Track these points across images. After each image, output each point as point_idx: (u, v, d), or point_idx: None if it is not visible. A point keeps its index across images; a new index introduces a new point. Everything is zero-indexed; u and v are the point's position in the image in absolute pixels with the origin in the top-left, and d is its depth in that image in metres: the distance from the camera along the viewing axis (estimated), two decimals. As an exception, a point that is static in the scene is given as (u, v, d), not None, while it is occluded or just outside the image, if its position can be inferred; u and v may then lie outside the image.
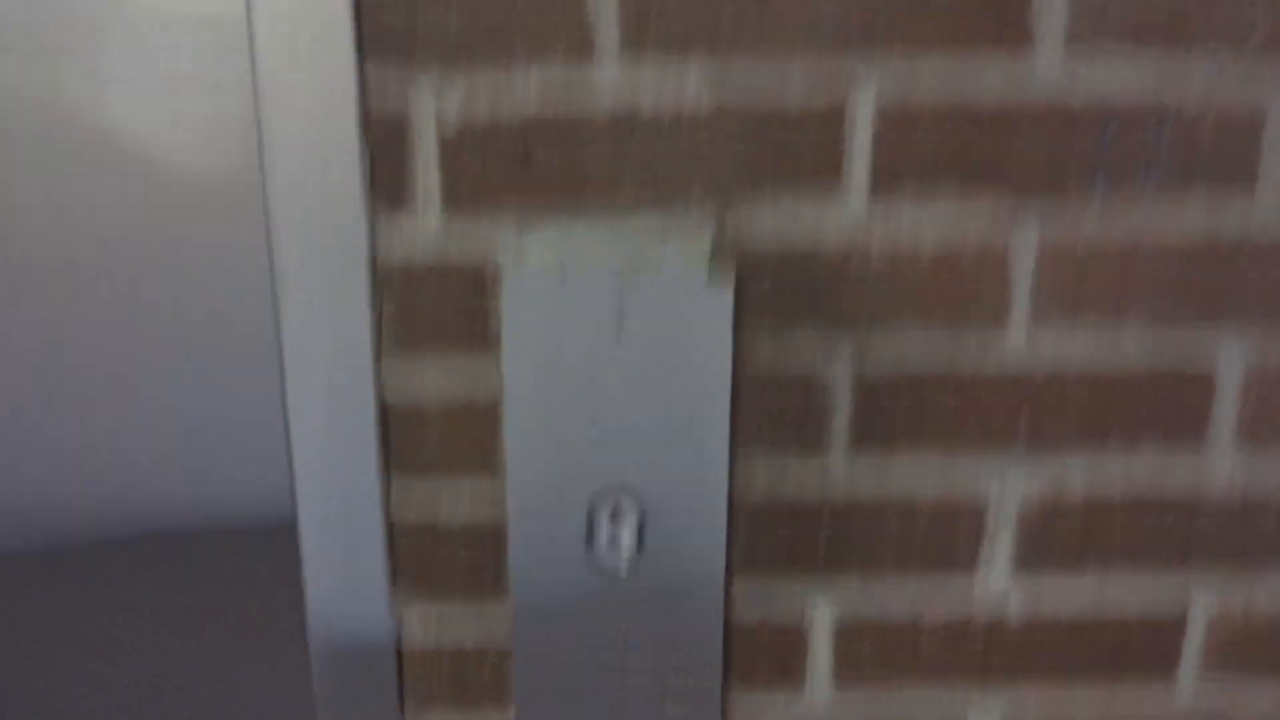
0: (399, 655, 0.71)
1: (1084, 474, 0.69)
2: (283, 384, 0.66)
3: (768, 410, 0.67)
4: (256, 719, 0.76)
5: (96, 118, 0.63)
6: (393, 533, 0.69)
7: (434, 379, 0.66)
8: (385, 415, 0.67)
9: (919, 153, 0.63)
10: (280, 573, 0.73)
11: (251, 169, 0.64)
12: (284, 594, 0.73)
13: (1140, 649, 0.73)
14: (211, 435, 0.70)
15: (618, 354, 0.65)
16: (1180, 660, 0.73)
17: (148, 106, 0.63)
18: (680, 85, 0.62)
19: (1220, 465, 0.69)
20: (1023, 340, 0.66)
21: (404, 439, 0.67)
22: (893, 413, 0.67)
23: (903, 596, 0.71)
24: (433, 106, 0.62)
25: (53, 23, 0.62)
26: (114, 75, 0.63)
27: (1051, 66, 0.62)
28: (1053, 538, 0.70)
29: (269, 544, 0.72)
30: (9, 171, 0.64)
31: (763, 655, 0.73)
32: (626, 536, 0.68)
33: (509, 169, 0.63)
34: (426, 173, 0.63)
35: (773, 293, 0.65)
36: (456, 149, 0.62)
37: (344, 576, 0.70)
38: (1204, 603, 0.72)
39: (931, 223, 0.64)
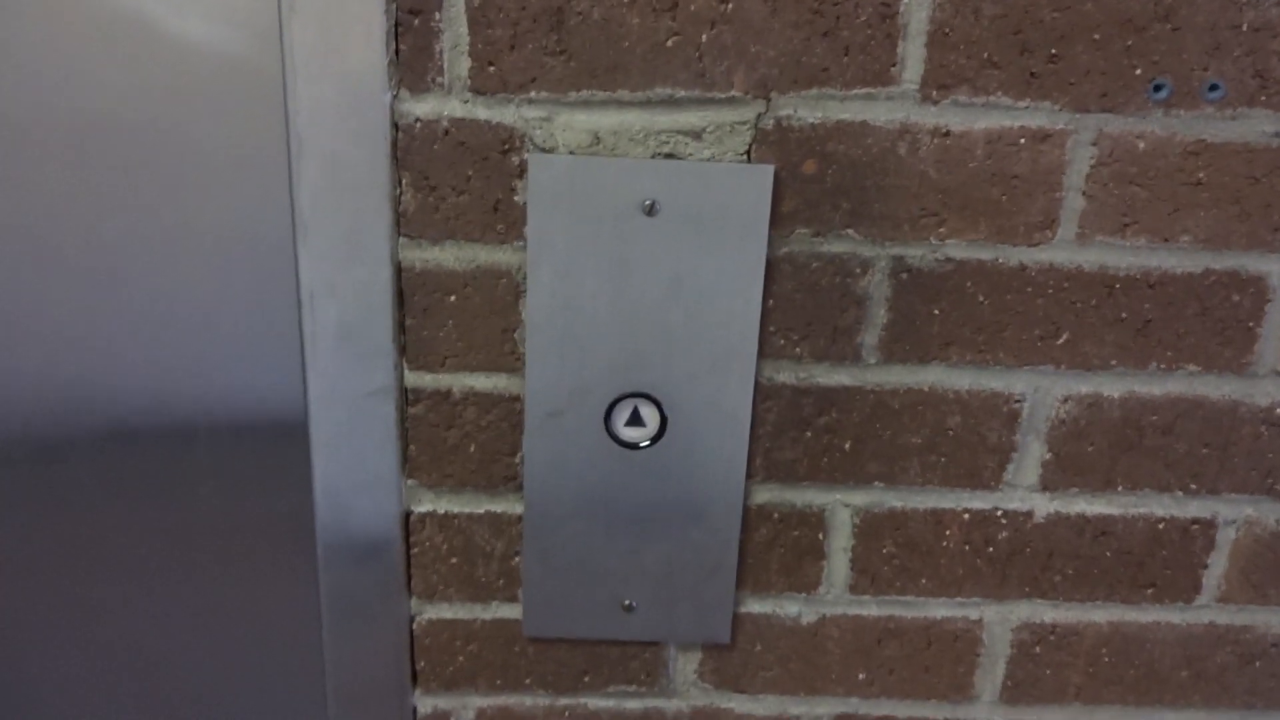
0: (408, 548, 0.70)
1: (1122, 385, 0.68)
2: (296, 267, 0.64)
3: (800, 301, 0.65)
4: (260, 621, 0.75)
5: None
6: (405, 423, 0.67)
7: (454, 259, 0.64)
8: (401, 298, 0.65)
9: (975, 51, 0.60)
10: (286, 476, 0.71)
11: (269, 48, 0.61)
12: (290, 497, 0.71)
13: (1163, 566, 0.72)
14: (219, 328, 0.68)
15: (648, 236, 0.63)
16: (1202, 581, 0.72)
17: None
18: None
19: (1266, 381, 0.68)
20: (1069, 246, 0.64)
21: (419, 325, 0.65)
22: (930, 311, 0.65)
23: (926, 501, 0.70)
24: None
25: None
26: None
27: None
28: (1083, 450, 0.69)
29: (277, 445, 0.70)
30: (22, 55, 0.61)
31: (779, 554, 0.71)
32: (648, 414, 0.66)
33: (541, 43, 0.60)
34: (454, 45, 0.60)
35: (813, 183, 0.62)
36: (486, 19, 0.59)
37: (353, 466, 0.68)
38: (1232, 522, 0.71)
39: (984, 122, 0.61)
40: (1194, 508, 0.70)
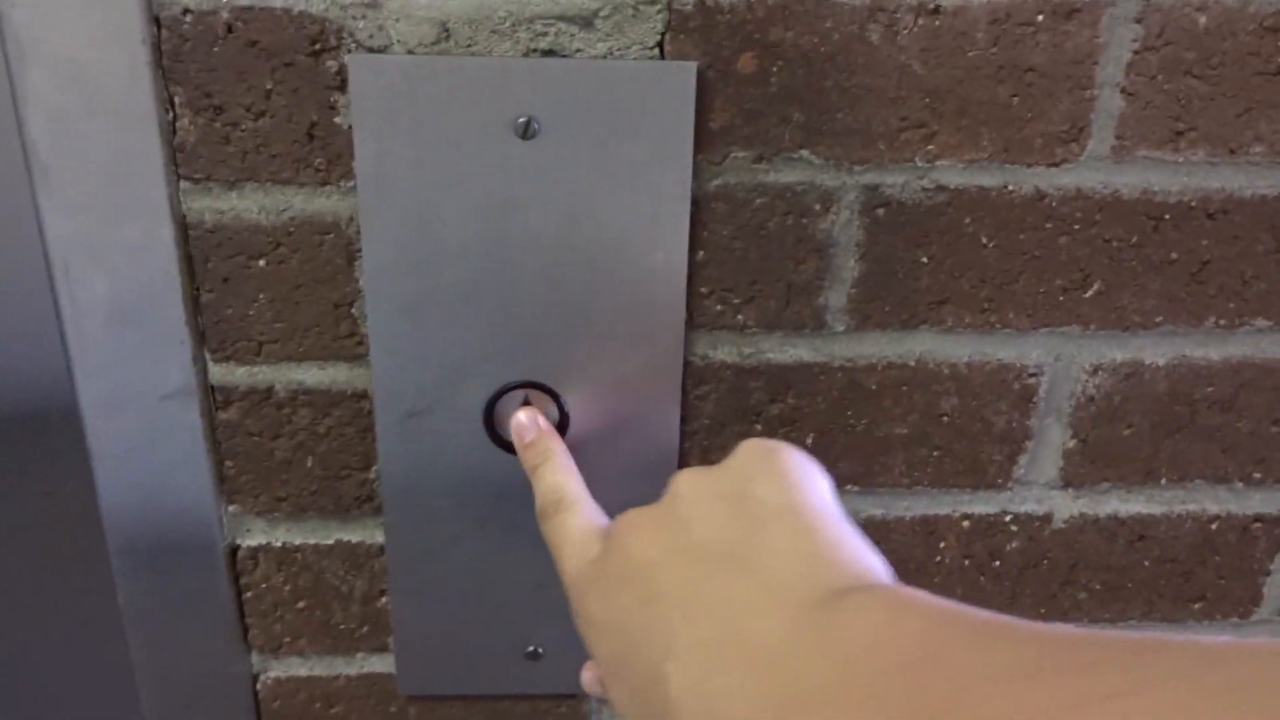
0: (238, 593, 0.54)
1: (1170, 349, 0.51)
2: (40, 226, 0.46)
3: (741, 251, 0.47)
4: (61, 635, 0.58)
5: None
6: (216, 433, 0.49)
7: (258, 209, 0.46)
8: (191, 264, 0.47)
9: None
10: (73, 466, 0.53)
11: None
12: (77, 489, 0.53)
13: (1216, 575, 0.56)
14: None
15: (527, 167, 0.45)
16: (1264, 591, 0.57)
17: None
18: None
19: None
20: (1103, 165, 0.47)
21: (221, 302, 0.48)
22: (917, 259, 0.48)
23: (914, 507, 0.54)
24: None
25: None
26: None
27: None
28: (1118, 434, 0.53)
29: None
30: None
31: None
32: (543, 404, 0.48)
33: None
34: None
35: (753, 87, 0.44)
36: None
37: (152, 494, 0.51)
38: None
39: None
40: (1257, 501, 0.55)
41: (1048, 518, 0.54)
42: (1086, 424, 0.52)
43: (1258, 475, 0.54)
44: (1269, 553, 0.56)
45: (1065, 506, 0.54)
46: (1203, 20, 0.45)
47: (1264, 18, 0.45)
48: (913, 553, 0.54)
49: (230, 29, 0.43)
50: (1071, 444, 0.53)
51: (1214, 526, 0.55)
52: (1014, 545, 0.55)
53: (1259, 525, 0.55)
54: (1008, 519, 0.54)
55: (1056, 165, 0.47)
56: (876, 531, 0.54)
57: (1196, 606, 0.57)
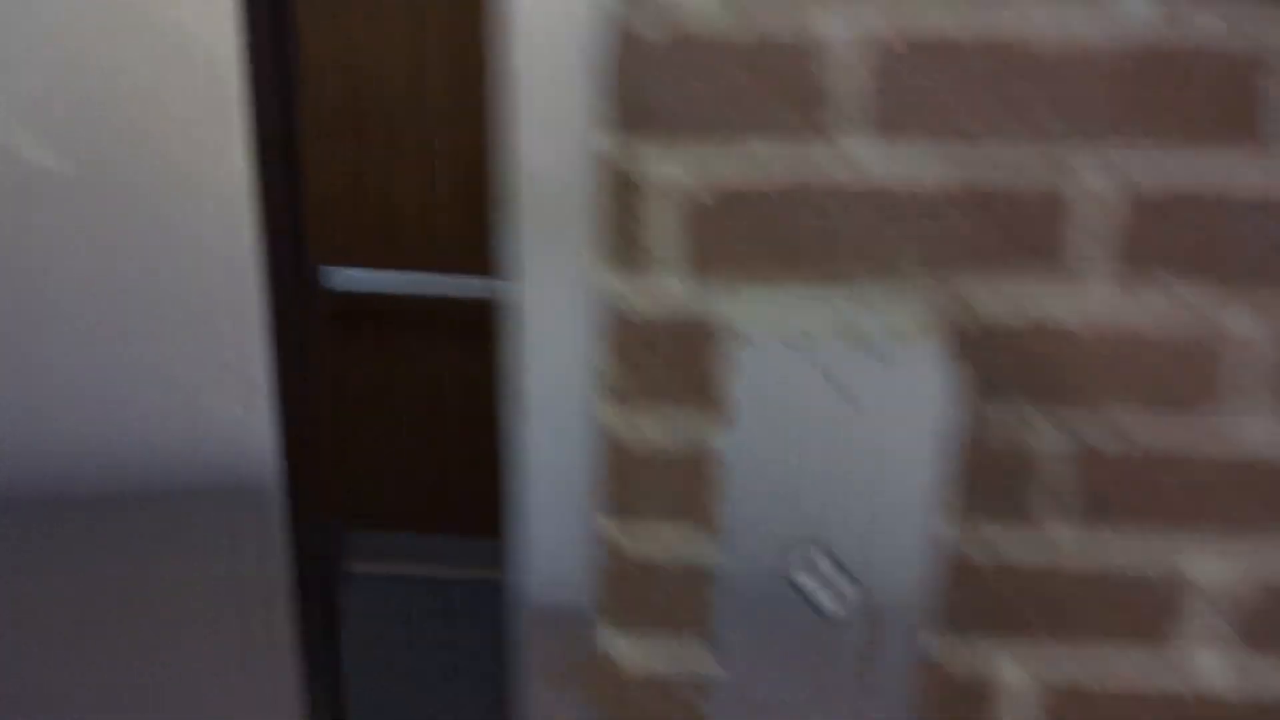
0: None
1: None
2: (513, 425, 0.72)
3: (979, 478, 0.69)
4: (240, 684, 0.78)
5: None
6: (601, 567, 0.73)
7: (654, 430, 0.70)
8: (604, 459, 0.71)
9: (1139, 240, 0.64)
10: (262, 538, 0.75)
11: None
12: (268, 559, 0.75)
13: None
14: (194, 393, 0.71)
15: (838, 418, 0.68)
16: None
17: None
18: (912, 165, 0.65)
19: None
20: (1236, 428, 0.66)
21: (619, 485, 0.72)
22: (1106, 489, 0.68)
23: (1101, 669, 0.71)
24: (672, 176, 0.66)
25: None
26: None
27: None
28: (1262, 624, 0.69)
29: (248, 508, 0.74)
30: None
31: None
32: (838, 578, 0.70)
33: (747, 239, 0.67)
34: (665, 238, 0.67)
35: (992, 366, 0.67)
36: (697, 218, 0.67)
37: (553, 608, 0.75)
38: None
39: (1151, 309, 0.65)
40: None
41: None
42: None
43: None
44: None
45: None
46: None
47: None
48: None
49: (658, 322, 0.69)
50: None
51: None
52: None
53: None
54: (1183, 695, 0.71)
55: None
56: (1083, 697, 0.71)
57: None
